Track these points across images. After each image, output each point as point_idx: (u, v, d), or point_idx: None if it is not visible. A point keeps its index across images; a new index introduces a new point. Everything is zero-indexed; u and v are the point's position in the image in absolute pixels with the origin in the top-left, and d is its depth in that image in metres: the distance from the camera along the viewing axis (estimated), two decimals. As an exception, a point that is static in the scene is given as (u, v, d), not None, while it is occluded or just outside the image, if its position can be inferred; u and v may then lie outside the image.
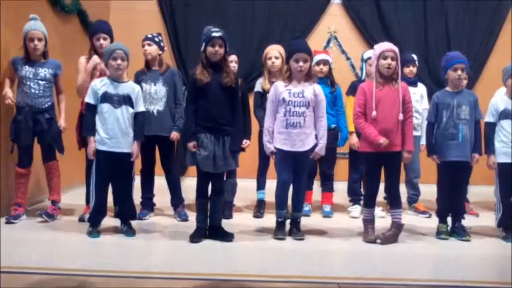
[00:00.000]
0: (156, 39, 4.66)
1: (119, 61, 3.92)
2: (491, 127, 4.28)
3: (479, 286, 3.15)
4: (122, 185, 4.02)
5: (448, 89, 4.33)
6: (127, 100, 3.96)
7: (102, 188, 3.94)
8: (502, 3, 7.11)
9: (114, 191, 4.04)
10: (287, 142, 3.98)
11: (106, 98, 3.91)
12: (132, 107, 3.98)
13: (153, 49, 4.60)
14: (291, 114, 3.97)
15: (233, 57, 4.78)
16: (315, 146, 4.04)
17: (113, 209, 4.33)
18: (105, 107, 3.90)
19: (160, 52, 4.67)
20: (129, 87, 4.02)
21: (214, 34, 3.81)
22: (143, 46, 4.62)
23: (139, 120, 4.03)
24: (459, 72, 4.18)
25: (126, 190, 4.05)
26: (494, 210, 4.46)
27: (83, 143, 4.35)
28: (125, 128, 3.93)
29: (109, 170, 3.93)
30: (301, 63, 3.96)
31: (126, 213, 4.06)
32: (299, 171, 4.07)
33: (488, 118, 4.32)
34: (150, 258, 3.57)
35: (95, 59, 4.38)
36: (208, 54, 3.83)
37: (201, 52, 3.88)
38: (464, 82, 4.61)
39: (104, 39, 4.46)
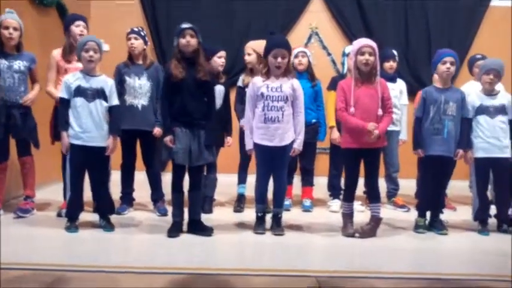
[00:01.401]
0: (142, 33, 4.66)
1: (91, 53, 3.89)
2: (468, 122, 4.32)
3: (457, 279, 3.18)
4: (98, 180, 3.99)
5: (436, 85, 4.37)
6: (101, 94, 3.93)
7: (77, 182, 3.92)
8: (480, 1, 7.22)
9: (92, 185, 4.02)
10: (265, 137, 3.99)
11: (79, 92, 3.88)
12: (106, 100, 3.96)
13: (139, 43, 4.59)
14: (269, 109, 3.97)
15: (223, 53, 4.77)
16: (294, 141, 4.05)
17: (92, 203, 4.30)
18: (79, 101, 3.87)
19: (145, 47, 4.67)
20: (102, 80, 3.99)
21: (183, 26, 3.83)
22: (129, 39, 4.59)
23: (115, 113, 4.01)
24: (448, 65, 4.21)
25: (103, 184, 4.04)
26: (471, 204, 4.52)
27: (56, 137, 4.32)
28: (98, 121, 3.90)
29: (84, 164, 3.92)
30: (279, 59, 3.96)
31: (104, 207, 4.04)
32: (278, 167, 4.07)
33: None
34: (128, 252, 3.56)
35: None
36: (180, 46, 3.83)
37: (174, 47, 3.88)
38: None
39: (84, 27, 4.42)
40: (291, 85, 4.02)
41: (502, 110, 4.31)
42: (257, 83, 4.04)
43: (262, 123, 3.99)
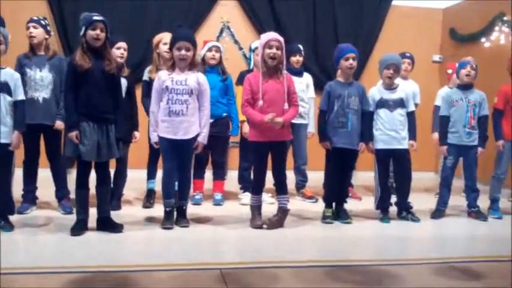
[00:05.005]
0: (43, 22, 4.44)
1: None
2: (369, 116, 4.50)
3: (360, 265, 3.33)
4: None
5: (339, 79, 4.49)
6: (4, 88, 3.73)
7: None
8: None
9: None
10: (170, 130, 3.97)
11: None
12: (10, 95, 3.77)
13: (39, 32, 4.38)
14: (173, 102, 3.95)
15: (122, 44, 4.63)
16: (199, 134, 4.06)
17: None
18: None
19: (47, 36, 4.46)
20: (6, 74, 3.78)
21: (95, 18, 3.70)
22: (28, 28, 4.38)
23: (20, 109, 3.83)
24: (350, 61, 4.36)
25: (3, 183, 3.83)
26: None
27: None
28: (2, 117, 3.71)
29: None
30: (183, 52, 3.94)
31: (2, 207, 3.83)
32: (183, 160, 4.08)
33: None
34: (28, 253, 3.40)
35: None
36: (88, 38, 3.70)
37: (81, 37, 3.74)
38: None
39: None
40: (196, 78, 4.02)
41: (400, 103, 4.52)
42: (162, 77, 4.01)
43: (166, 117, 3.97)
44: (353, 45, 4.58)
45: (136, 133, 4.68)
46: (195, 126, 4.03)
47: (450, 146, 4.73)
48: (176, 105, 3.95)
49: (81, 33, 3.73)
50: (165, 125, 3.98)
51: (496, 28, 6.67)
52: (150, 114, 4.09)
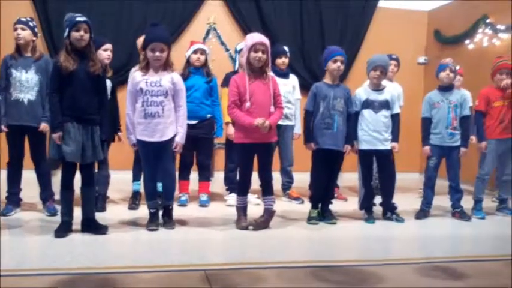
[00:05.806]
0: (30, 23, 4.42)
1: None
2: (354, 118, 4.52)
3: (343, 265, 3.33)
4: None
5: (326, 81, 4.50)
6: None
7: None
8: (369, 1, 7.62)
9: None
10: (146, 133, 3.94)
11: None
12: None
13: (26, 34, 4.35)
14: (148, 104, 3.91)
15: (108, 46, 4.63)
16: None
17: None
18: None
19: (34, 38, 4.44)
20: None
21: (78, 19, 3.68)
22: (15, 30, 4.35)
23: None
24: (338, 63, 4.37)
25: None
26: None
27: None
28: None
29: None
30: (157, 54, 3.90)
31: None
32: (163, 162, 4.05)
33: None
34: (13, 255, 3.37)
35: None
36: (72, 39, 3.68)
37: (65, 38, 3.72)
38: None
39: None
40: (171, 79, 3.98)
41: (385, 104, 4.55)
42: (136, 78, 3.97)
43: (142, 119, 3.94)
44: (339, 47, 4.60)
45: (120, 134, 4.68)
46: (171, 127, 3.99)
47: (433, 147, 4.78)
48: (152, 107, 3.91)
49: (65, 34, 3.70)
50: (141, 128, 3.95)
51: (480, 30, 6.75)
52: (126, 117, 4.05)
